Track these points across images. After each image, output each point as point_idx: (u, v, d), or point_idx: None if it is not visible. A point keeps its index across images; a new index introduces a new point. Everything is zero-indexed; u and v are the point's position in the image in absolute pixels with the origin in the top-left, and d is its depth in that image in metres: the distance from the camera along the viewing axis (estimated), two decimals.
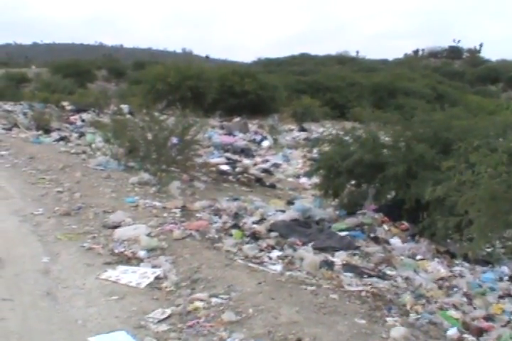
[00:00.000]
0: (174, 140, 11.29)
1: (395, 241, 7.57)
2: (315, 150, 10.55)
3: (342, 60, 76.90)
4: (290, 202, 10.02)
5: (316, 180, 10.21)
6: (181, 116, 11.94)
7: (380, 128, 9.42)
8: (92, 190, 9.13)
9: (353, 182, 9.29)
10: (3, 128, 17.70)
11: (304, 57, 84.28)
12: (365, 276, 5.89)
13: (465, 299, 5.73)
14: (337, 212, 9.08)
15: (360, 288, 5.44)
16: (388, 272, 6.25)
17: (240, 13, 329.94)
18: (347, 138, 9.36)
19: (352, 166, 8.51)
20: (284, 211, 8.64)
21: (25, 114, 21.93)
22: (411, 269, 6.44)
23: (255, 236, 7.01)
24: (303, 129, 25.74)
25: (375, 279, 5.83)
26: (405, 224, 8.16)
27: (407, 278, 6.08)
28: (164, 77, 26.54)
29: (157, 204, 8.31)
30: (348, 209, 9.06)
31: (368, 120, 10.00)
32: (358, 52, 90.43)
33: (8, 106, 25.65)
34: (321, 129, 25.42)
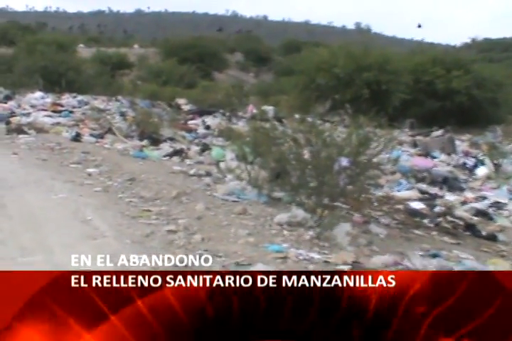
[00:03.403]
0: (343, 161, 11.23)
1: None
2: None
3: None
4: None
5: None
6: (354, 125, 11.85)
7: None
8: (219, 231, 9.26)
9: None
10: (92, 135, 17.89)
11: None
12: None
13: None
14: None
15: None
16: None
17: None
18: None
19: None
20: None
21: (123, 114, 22.55)
22: None
23: None
24: None
25: None
26: None
27: None
28: (329, 67, 26.90)
29: (316, 256, 8.28)
30: None
31: None
32: None
33: (99, 102, 26.29)
34: None
